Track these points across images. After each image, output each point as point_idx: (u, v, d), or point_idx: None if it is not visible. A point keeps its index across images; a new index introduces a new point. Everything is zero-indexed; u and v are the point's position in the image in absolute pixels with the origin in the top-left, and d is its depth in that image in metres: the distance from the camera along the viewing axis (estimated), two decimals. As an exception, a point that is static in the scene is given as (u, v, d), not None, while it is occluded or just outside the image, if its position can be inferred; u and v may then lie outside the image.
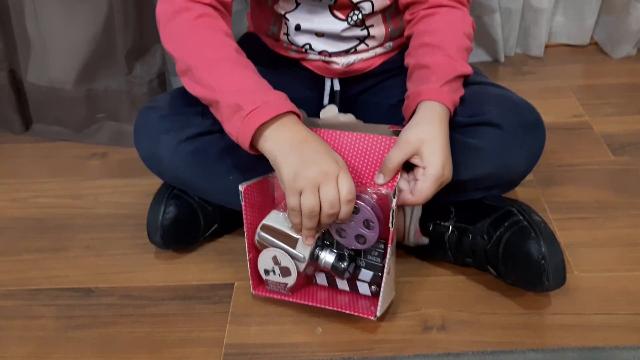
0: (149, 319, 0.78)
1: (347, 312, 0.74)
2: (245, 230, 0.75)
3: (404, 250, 0.85)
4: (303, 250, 0.73)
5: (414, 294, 0.79)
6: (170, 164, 0.79)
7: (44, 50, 1.09)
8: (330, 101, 0.89)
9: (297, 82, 0.88)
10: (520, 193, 0.95)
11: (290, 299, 0.78)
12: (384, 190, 0.70)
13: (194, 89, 0.72)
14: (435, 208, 0.80)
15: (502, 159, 0.73)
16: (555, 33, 1.38)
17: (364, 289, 0.76)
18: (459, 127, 0.74)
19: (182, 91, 0.83)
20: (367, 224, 0.69)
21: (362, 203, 0.68)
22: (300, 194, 0.65)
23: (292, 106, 0.68)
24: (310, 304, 0.77)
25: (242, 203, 0.72)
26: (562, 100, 1.19)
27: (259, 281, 0.79)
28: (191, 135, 0.77)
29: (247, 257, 0.76)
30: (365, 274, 0.75)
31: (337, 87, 0.88)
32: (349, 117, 0.82)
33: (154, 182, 0.88)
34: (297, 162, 0.65)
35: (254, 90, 0.68)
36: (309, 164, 0.64)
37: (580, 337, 0.72)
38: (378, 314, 0.71)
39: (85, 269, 0.87)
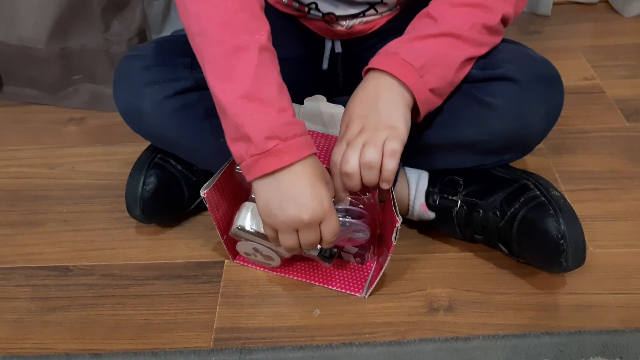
0: (132, 300, 0.75)
1: (336, 289, 0.74)
2: (215, 223, 0.72)
3: (407, 224, 0.81)
4: None
5: (418, 272, 0.76)
6: (153, 120, 0.73)
7: (11, 4, 1.02)
8: (331, 63, 0.82)
9: (294, 41, 0.81)
10: (530, 162, 0.90)
11: (274, 272, 0.76)
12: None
13: (197, 50, 0.63)
14: (442, 181, 0.76)
15: (519, 117, 0.68)
16: (564, -11, 1.31)
17: (348, 257, 0.76)
18: (472, 81, 0.69)
19: (170, 40, 0.78)
20: (356, 233, 0.69)
21: (350, 219, 0.66)
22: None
23: (309, 147, 0.61)
24: (295, 277, 0.75)
25: (207, 205, 0.69)
26: (572, 61, 1.14)
27: (237, 252, 0.77)
28: (179, 90, 0.72)
29: (222, 240, 0.74)
30: (350, 248, 0.74)
31: (338, 49, 0.81)
32: (339, 110, 0.76)
33: (137, 150, 0.83)
34: (271, 195, 0.60)
35: (270, 116, 0.59)
36: (286, 205, 0.60)
37: (597, 319, 0.69)
38: (366, 295, 0.73)
39: (62, 245, 0.83)
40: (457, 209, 0.74)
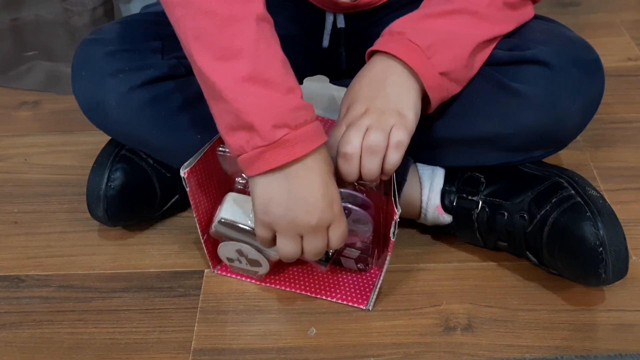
0: (94, 316, 0.75)
1: (335, 300, 0.74)
2: (194, 213, 0.72)
3: (419, 229, 0.82)
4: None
5: (432, 285, 0.76)
6: (119, 116, 0.74)
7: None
8: (333, 40, 0.83)
9: (289, 15, 0.81)
10: (564, 156, 0.91)
11: (262, 283, 0.77)
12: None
13: (179, 27, 0.63)
14: (460, 178, 0.76)
15: (551, 108, 0.68)
16: (604, -46, 1.31)
17: (349, 264, 0.76)
18: (498, 64, 0.69)
19: (136, 19, 0.78)
20: (359, 225, 0.69)
21: (352, 206, 0.67)
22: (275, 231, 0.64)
23: (320, 135, 0.61)
24: (287, 289, 0.76)
25: (187, 189, 0.70)
26: (613, 39, 1.15)
27: (219, 259, 0.78)
28: (147, 79, 0.73)
29: (202, 240, 0.75)
30: (351, 251, 0.74)
31: (341, 24, 0.81)
32: (341, 92, 0.76)
33: (101, 140, 0.83)
34: (277, 192, 0.61)
35: (278, 100, 0.59)
36: (294, 205, 0.61)
37: (641, 341, 0.70)
38: (370, 307, 0.73)
39: (12, 251, 0.84)
40: (477, 211, 0.74)
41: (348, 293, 0.75)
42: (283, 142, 0.59)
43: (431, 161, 0.77)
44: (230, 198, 0.71)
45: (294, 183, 0.60)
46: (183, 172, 0.68)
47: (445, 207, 0.76)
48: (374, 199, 0.69)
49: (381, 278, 0.72)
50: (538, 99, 0.68)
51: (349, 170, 0.64)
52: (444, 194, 0.76)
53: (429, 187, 0.76)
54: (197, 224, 0.73)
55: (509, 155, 0.73)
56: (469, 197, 0.75)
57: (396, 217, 0.65)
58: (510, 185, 0.74)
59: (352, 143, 0.62)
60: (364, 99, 0.65)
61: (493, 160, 0.74)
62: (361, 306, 0.73)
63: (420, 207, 0.77)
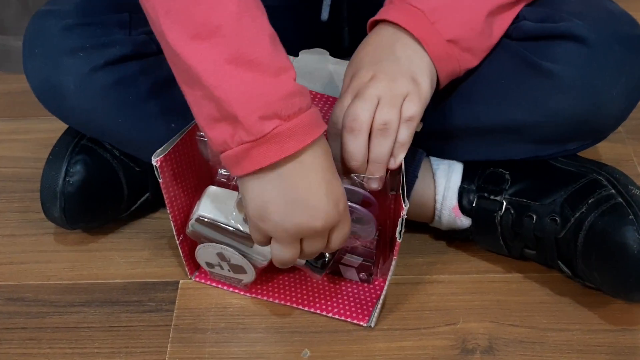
0: (49, 334, 0.75)
1: (332, 315, 0.75)
2: (169, 210, 0.73)
3: (433, 234, 0.82)
4: (264, 250, 0.70)
5: (447, 300, 0.76)
6: (78, 101, 0.75)
7: None
8: (333, 13, 0.81)
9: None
10: (603, 149, 0.91)
11: (248, 294, 0.77)
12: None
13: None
14: (481, 175, 0.76)
15: (589, 91, 0.68)
16: None
17: (350, 273, 0.77)
18: (525, 39, 0.70)
19: None
20: (360, 226, 0.70)
21: (351, 203, 0.67)
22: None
23: (318, 125, 0.61)
24: (276, 301, 0.76)
25: (161, 180, 0.70)
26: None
27: (197, 264, 0.78)
28: (112, 58, 0.74)
29: (177, 241, 0.75)
30: (352, 258, 0.75)
31: None
32: (342, 65, 0.76)
33: (58, 127, 0.84)
34: (272, 195, 0.61)
35: (266, 86, 0.58)
36: (294, 210, 0.61)
37: (691, 367, 0.70)
38: (372, 323, 0.74)
39: None
40: (501, 213, 0.74)
41: (347, 307, 0.75)
42: (273, 136, 0.58)
43: (447, 154, 0.78)
44: (211, 192, 0.71)
45: (290, 185, 0.60)
46: (155, 160, 0.68)
47: (463, 209, 0.76)
48: (377, 197, 0.69)
49: (385, 289, 0.72)
50: (573, 81, 0.68)
51: (356, 148, 0.63)
52: (461, 193, 0.76)
53: (444, 185, 0.76)
54: (172, 223, 0.73)
55: (539, 147, 0.74)
56: (491, 197, 0.75)
57: (403, 213, 0.64)
58: (540, 183, 0.74)
59: (360, 116, 0.62)
60: (370, 64, 0.65)
61: (520, 154, 0.74)
62: (362, 322, 0.73)
63: (434, 208, 0.77)
